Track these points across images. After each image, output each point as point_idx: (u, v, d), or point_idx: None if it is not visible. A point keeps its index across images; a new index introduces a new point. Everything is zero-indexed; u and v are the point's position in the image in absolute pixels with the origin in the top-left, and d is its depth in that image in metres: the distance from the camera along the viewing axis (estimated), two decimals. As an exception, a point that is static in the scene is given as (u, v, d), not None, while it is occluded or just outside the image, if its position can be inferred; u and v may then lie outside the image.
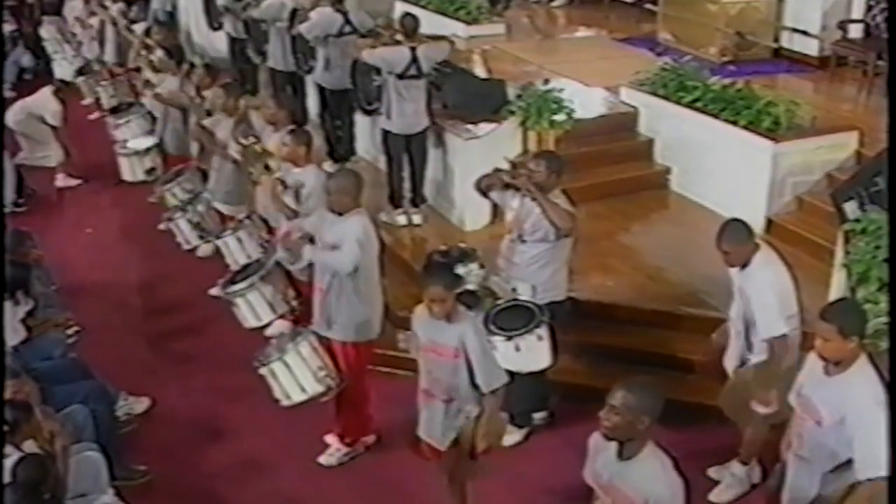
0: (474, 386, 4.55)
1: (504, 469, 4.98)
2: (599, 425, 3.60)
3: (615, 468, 3.64)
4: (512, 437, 5.82)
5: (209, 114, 7.95)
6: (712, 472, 5.52)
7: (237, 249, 6.83)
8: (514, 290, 5.57)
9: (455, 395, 4.57)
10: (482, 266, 5.85)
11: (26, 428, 4.61)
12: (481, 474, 4.79)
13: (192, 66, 9.29)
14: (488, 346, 4.63)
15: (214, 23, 11.30)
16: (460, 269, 5.76)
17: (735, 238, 4.94)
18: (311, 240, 5.49)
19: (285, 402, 5.49)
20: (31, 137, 10.20)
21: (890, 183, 5.17)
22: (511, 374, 5.36)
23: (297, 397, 5.45)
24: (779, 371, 4.85)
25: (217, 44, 12.10)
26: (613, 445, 3.62)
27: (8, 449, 4.45)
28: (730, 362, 5.23)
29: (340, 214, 5.34)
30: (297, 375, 5.40)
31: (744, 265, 4.95)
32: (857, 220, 5.51)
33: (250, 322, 6.29)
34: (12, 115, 10.11)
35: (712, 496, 5.40)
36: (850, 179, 6.04)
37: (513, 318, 5.33)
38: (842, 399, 3.94)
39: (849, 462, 4.00)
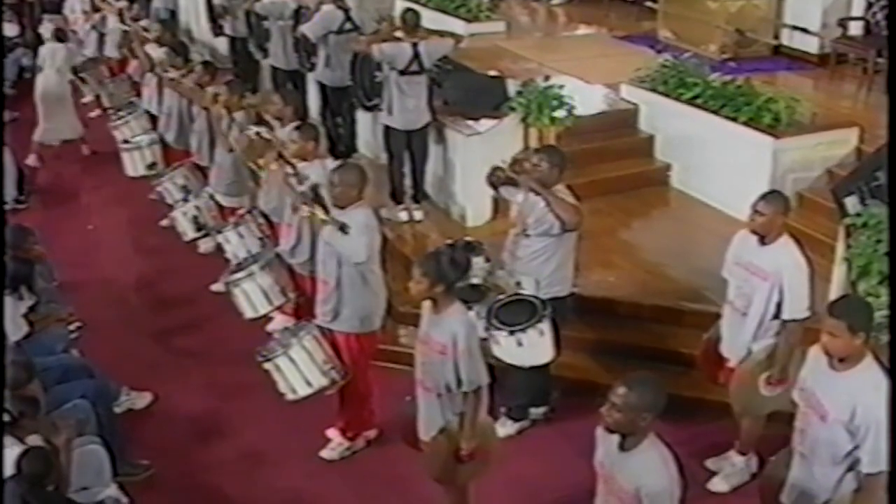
0: (459, 383, 4.52)
1: (503, 464, 4.98)
2: (601, 420, 3.63)
3: (615, 459, 3.68)
4: (504, 429, 5.82)
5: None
6: (710, 463, 5.54)
7: (238, 244, 6.84)
8: (517, 284, 5.57)
9: (442, 391, 4.57)
10: (488, 259, 5.85)
11: (32, 422, 4.62)
12: (473, 477, 4.77)
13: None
14: (477, 347, 4.56)
15: (216, 29, 11.33)
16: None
17: (776, 204, 4.91)
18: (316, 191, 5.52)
19: (290, 397, 5.48)
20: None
21: (890, 177, 5.19)
22: (510, 366, 5.42)
23: (303, 391, 5.45)
24: (793, 352, 4.83)
25: (218, 42, 12.11)
26: (615, 437, 3.66)
27: (12, 442, 4.46)
28: (732, 352, 5.17)
29: (342, 208, 5.36)
30: (302, 370, 5.39)
31: (764, 240, 4.92)
32: (858, 215, 5.52)
33: (248, 313, 6.31)
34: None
35: (711, 486, 5.42)
36: (850, 174, 6.05)
37: (516, 312, 5.33)
38: (851, 395, 3.90)
39: (851, 461, 3.99)
